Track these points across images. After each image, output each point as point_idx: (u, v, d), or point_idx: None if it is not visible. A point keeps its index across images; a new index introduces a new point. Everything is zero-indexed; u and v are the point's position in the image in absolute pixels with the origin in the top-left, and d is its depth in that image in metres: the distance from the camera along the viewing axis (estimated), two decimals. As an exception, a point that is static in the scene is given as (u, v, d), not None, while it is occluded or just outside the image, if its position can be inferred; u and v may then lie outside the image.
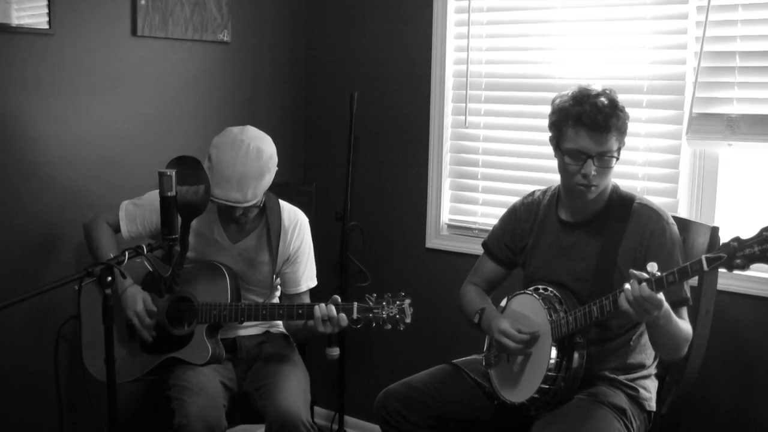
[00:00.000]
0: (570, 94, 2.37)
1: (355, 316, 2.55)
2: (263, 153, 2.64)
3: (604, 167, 2.33)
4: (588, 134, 2.29)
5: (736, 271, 1.94)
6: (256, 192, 2.62)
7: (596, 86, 2.37)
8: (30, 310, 2.89)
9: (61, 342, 2.79)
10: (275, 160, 2.70)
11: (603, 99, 2.31)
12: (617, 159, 2.35)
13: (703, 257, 1.97)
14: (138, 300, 2.65)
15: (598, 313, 2.20)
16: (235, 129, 2.68)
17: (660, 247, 2.33)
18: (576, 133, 2.32)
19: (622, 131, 2.33)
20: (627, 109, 2.36)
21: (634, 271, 2.09)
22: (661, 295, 2.07)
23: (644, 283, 2.05)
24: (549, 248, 2.53)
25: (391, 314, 2.53)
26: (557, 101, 2.40)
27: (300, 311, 2.62)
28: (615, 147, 2.32)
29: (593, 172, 2.31)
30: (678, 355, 2.35)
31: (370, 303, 2.55)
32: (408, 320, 2.54)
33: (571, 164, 2.35)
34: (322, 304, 2.57)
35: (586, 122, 2.29)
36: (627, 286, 2.09)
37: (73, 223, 2.96)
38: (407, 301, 2.55)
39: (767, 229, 1.88)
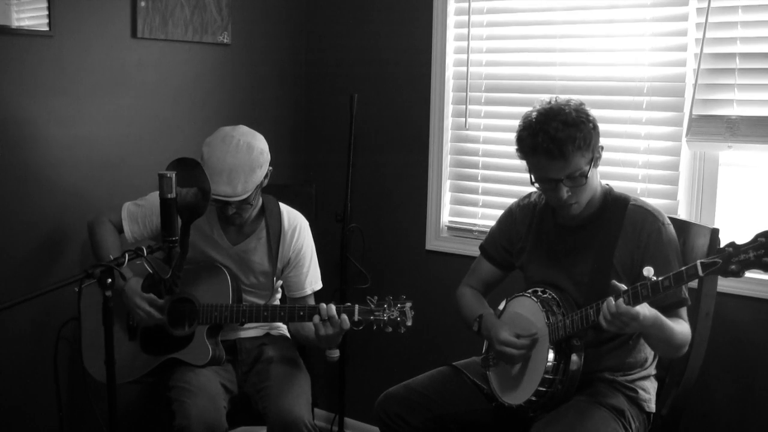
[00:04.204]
0: (528, 119, 2.33)
1: (356, 318, 2.55)
2: (254, 148, 2.65)
3: (577, 186, 2.31)
4: (548, 163, 2.28)
5: (730, 277, 1.94)
6: (246, 186, 2.62)
7: (560, 99, 2.33)
8: (31, 312, 2.89)
9: (61, 343, 2.79)
10: (267, 156, 2.70)
11: (556, 123, 2.25)
12: (589, 171, 2.30)
13: (698, 262, 1.97)
14: (139, 294, 2.65)
15: (595, 316, 2.20)
16: (227, 127, 2.71)
17: (657, 250, 2.33)
18: (536, 163, 2.31)
19: (585, 146, 2.28)
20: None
21: (615, 283, 2.13)
22: (639, 308, 2.08)
23: (620, 299, 2.09)
24: (546, 252, 2.53)
25: (392, 317, 2.54)
26: (519, 126, 2.36)
27: (301, 312, 2.62)
28: (583, 164, 2.29)
29: (566, 194, 2.31)
30: (675, 355, 2.36)
31: (372, 305, 2.56)
32: (409, 323, 2.55)
33: (543, 190, 2.38)
34: (323, 304, 2.57)
35: (542, 153, 2.27)
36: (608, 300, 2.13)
37: (75, 224, 2.96)
38: (408, 304, 2.55)
39: (762, 235, 1.88)
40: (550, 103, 2.34)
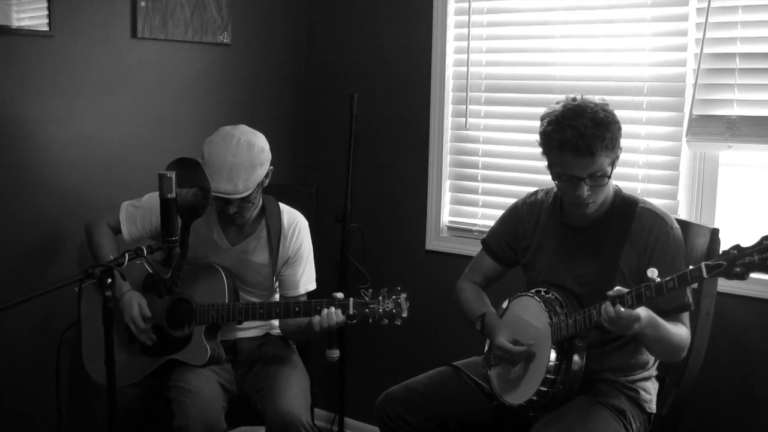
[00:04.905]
0: (554, 114, 2.31)
1: (351, 311, 2.55)
2: (254, 146, 2.65)
3: (598, 185, 2.31)
4: (574, 160, 2.26)
5: (734, 280, 1.94)
6: (247, 184, 2.62)
7: (586, 98, 2.32)
8: (33, 314, 2.89)
9: (63, 346, 2.79)
10: (267, 154, 2.71)
11: (585, 120, 2.24)
12: (611, 172, 2.31)
13: (703, 264, 1.97)
14: (133, 305, 2.65)
15: (598, 317, 2.19)
16: (228, 126, 2.72)
17: (664, 253, 2.33)
18: (562, 159, 2.29)
19: (611, 147, 2.28)
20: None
21: (610, 293, 2.13)
22: (639, 310, 2.09)
23: (618, 305, 2.09)
24: (552, 252, 2.52)
25: (387, 309, 2.53)
26: (544, 121, 2.34)
27: (297, 309, 2.62)
28: (606, 164, 2.28)
29: (587, 193, 2.30)
30: (673, 359, 2.37)
31: (366, 298, 2.56)
32: (404, 314, 2.54)
33: (563, 187, 2.36)
34: (321, 314, 2.58)
35: (569, 149, 2.25)
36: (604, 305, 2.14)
37: (74, 224, 2.96)
38: (403, 296, 2.54)
39: (767, 238, 1.89)
40: (575, 99, 2.32)
